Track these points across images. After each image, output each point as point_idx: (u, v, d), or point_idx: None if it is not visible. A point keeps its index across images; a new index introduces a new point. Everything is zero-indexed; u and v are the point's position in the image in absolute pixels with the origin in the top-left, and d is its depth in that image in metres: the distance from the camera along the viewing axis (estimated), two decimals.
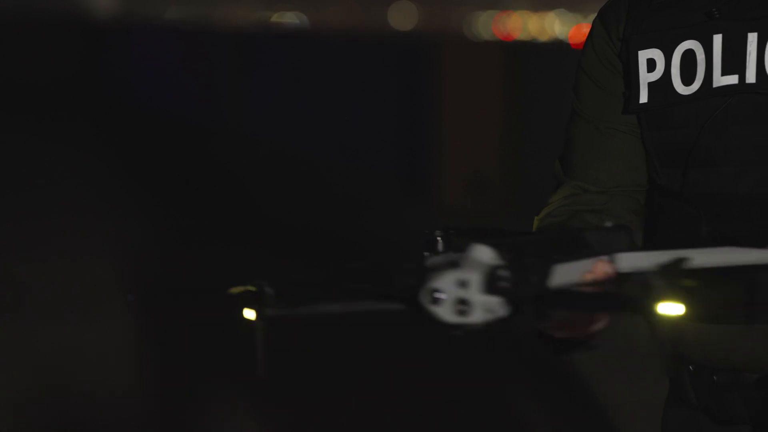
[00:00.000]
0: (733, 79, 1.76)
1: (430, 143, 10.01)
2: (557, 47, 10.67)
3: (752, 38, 1.76)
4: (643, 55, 1.83)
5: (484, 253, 1.34)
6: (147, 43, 17.07)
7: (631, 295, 1.39)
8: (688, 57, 1.80)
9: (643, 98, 1.83)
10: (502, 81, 9.52)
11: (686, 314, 1.40)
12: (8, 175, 10.78)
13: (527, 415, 5.16)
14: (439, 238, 1.44)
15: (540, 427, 5.03)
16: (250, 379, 1.35)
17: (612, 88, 1.89)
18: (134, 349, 5.79)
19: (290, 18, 15.41)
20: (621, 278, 1.46)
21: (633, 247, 1.48)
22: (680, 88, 1.80)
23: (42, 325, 6.14)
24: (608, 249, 1.46)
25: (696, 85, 1.79)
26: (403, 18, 14.00)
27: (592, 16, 1.95)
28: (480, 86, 9.53)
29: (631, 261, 1.46)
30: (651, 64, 1.82)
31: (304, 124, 12.26)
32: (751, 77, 1.76)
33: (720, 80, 1.77)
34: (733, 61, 1.76)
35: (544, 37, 12.18)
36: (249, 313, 1.37)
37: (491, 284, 1.31)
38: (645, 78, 1.82)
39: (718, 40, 1.77)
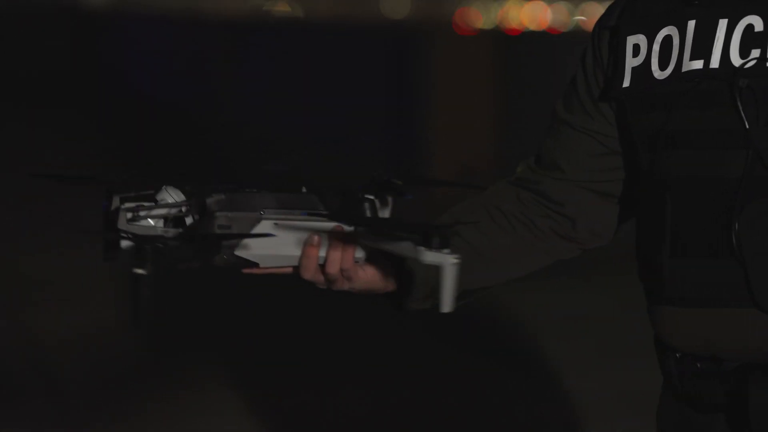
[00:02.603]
0: (699, 64, 1.80)
1: (420, 132, 10.00)
2: (548, 37, 10.66)
3: (722, 24, 1.78)
4: (630, 41, 1.87)
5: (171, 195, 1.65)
6: (138, 32, 17.04)
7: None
8: (667, 42, 1.83)
9: (626, 83, 1.87)
10: (493, 70, 9.52)
11: None
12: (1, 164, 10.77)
13: (520, 404, 5.16)
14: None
15: (533, 416, 5.05)
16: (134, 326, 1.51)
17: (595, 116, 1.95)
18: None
19: (282, 7, 15.40)
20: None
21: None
22: (657, 72, 1.83)
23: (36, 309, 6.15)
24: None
25: (669, 70, 1.82)
26: (395, 7, 14.00)
27: (584, 5, 1.98)
28: (471, 75, 9.53)
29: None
30: (636, 49, 1.86)
31: (295, 112, 12.25)
32: (714, 63, 1.79)
33: (688, 65, 1.81)
34: (702, 47, 1.80)
35: (535, 27, 12.19)
36: (138, 270, 1.60)
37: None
38: (630, 63, 1.86)
39: (692, 25, 1.81)
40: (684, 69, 1.81)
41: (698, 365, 1.81)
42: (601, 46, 1.93)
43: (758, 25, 1.77)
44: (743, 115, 1.75)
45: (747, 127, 1.75)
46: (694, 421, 1.86)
